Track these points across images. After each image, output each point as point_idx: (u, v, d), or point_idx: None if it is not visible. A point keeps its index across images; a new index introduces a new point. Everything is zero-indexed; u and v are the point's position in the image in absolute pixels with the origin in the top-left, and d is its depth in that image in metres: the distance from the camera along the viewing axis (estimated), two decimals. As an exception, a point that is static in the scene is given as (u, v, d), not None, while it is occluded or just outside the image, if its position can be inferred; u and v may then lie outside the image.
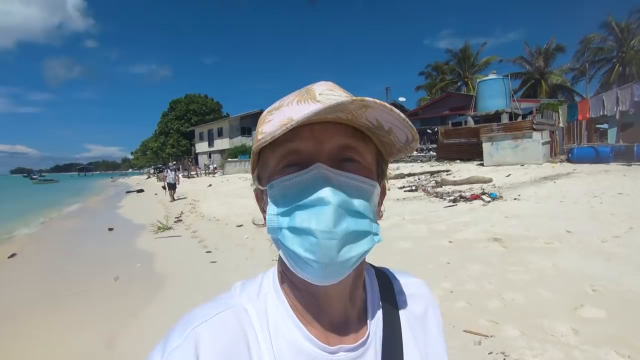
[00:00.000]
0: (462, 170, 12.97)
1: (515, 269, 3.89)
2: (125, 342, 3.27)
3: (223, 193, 16.59)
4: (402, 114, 0.42)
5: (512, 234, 5.15)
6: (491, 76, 16.51)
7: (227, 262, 5.54)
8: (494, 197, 7.59)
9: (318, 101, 0.44)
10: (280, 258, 0.48)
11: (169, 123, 52.19)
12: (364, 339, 0.49)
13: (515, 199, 7.51)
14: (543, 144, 11.70)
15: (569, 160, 11.94)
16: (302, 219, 0.41)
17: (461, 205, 7.52)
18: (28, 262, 6.92)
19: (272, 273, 0.53)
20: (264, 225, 0.49)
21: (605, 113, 10.96)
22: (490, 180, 10.00)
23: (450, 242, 5.10)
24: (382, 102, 0.40)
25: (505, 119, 14.81)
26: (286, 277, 0.50)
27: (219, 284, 4.55)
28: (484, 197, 7.63)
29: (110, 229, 9.76)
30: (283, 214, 0.43)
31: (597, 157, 10.81)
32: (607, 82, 26.79)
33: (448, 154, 15.44)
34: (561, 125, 12.87)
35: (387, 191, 0.54)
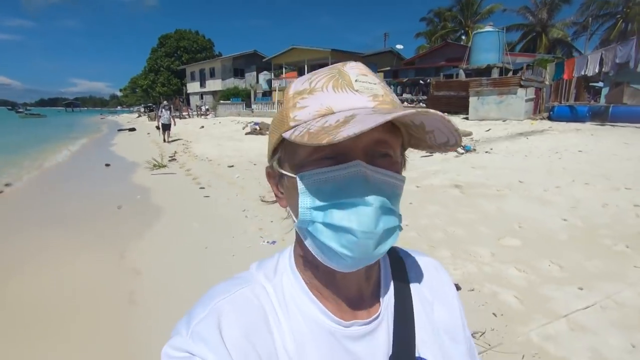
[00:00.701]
0: (447, 123, 13.40)
1: (465, 210, 4.59)
2: (135, 255, 3.95)
3: (215, 135, 16.91)
4: (455, 125, 0.42)
5: (473, 182, 5.82)
6: (487, 28, 16.29)
7: (220, 197, 6.18)
8: (467, 150, 8.20)
9: (356, 90, 0.43)
10: (297, 240, 0.51)
11: (159, 60, 50.24)
12: (377, 314, 0.51)
13: (486, 152, 8.13)
14: (526, 100, 12.08)
15: (549, 118, 12.43)
16: (341, 217, 0.42)
17: (437, 156, 8.12)
18: (32, 194, 7.49)
19: (289, 253, 0.54)
20: (273, 202, 0.52)
21: (587, 73, 11.27)
22: (470, 134, 10.54)
23: (417, 187, 5.76)
24: (441, 114, 0.40)
25: (495, 73, 14.97)
26: (303, 258, 0.51)
27: (212, 214, 5.22)
28: (458, 149, 8.21)
29: (107, 165, 10.26)
30: (318, 208, 0.43)
31: (575, 116, 11.31)
32: (607, 39, 26.40)
33: (437, 106, 15.71)
34: (547, 82, 13.15)
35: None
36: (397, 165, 0.47)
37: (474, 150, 8.31)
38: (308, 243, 0.46)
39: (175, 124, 16.22)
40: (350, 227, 0.41)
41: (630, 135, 8.76)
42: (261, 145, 12.05)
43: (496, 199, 4.91)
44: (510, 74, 14.80)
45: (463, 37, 32.18)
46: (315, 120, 0.42)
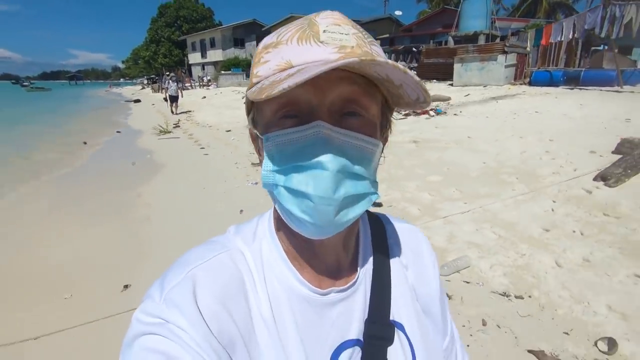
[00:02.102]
0: (433, 89, 14.18)
1: (412, 158, 5.65)
2: (147, 194, 5.13)
3: (216, 105, 17.82)
4: (415, 77, 0.39)
5: (429, 138, 6.85)
6: (476, -6, 16.60)
7: (217, 154, 7.31)
8: (438, 113, 9.13)
9: (322, 41, 0.39)
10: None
11: (159, 30, 50.10)
12: (353, 281, 0.51)
13: (455, 114, 9.07)
14: (506, 66, 12.75)
15: (530, 83, 13.14)
16: (299, 181, 0.40)
17: (410, 118, 9.09)
18: (95, 155, 8.70)
19: (268, 218, 0.53)
20: (259, 164, 0.49)
21: (562, 39, 11.84)
22: (448, 99, 11.39)
23: (382, 143, 6.81)
24: (394, 64, 0.37)
25: (482, 40, 15.47)
26: (281, 223, 0.49)
27: (210, 167, 6.38)
28: (430, 112, 9.16)
29: (118, 132, 11.40)
30: (279, 172, 0.42)
31: (551, 81, 12.02)
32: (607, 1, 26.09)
33: (427, 73, 16.37)
34: (528, 49, 13.70)
35: (388, 139, 0.51)
36: (370, 127, 0.43)
37: (444, 113, 9.24)
38: (276, 206, 0.45)
39: (182, 96, 16.26)
40: (307, 192, 0.40)
41: (589, 97, 9.58)
42: (257, 113, 13.05)
43: (441, 150, 5.96)
44: (498, 40, 15.28)
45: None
46: (274, 75, 0.40)
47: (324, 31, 0.40)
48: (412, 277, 0.57)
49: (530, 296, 2.37)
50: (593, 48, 28.03)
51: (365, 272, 0.53)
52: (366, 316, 0.50)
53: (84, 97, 38.43)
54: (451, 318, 0.62)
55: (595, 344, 1.94)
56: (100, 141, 10.14)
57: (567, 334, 2.04)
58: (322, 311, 0.48)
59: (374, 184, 0.46)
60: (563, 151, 5.24)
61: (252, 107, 0.46)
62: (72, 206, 4.84)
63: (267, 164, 0.43)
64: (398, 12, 28.93)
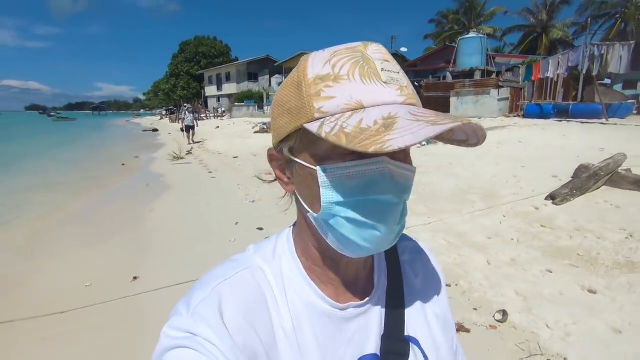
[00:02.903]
0: (432, 121, 14.95)
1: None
2: (159, 209, 5.86)
3: (228, 134, 18.94)
4: (485, 131, 0.42)
5: (414, 164, 7.48)
6: (471, 34, 17.69)
7: (223, 177, 8.08)
8: (429, 142, 9.81)
9: (385, 82, 0.41)
10: (301, 226, 0.52)
11: (179, 65, 53.21)
12: (370, 296, 0.53)
13: (444, 144, 9.72)
14: (499, 100, 13.48)
15: (524, 116, 13.79)
16: (367, 214, 0.42)
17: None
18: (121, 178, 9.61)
19: (286, 236, 0.55)
20: (271, 182, 0.53)
21: (549, 75, 12.57)
22: (443, 130, 12.08)
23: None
24: (479, 126, 0.40)
25: (478, 75, 16.36)
26: (303, 242, 0.52)
27: (215, 187, 7.12)
28: (423, 142, 9.84)
29: (136, 157, 12.39)
30: (341, 204, 0.43)
31: (542, 113, 12.65)
32: (606, 38, 27.06)
33: (427, 105, 16.34)
34: (520, 84, 14.45)
35: None
36: (410, 157, 0.47)
37: (435, 142, 9.91)
38: (323, 233, 0.46)
39: (197, 126, 17.11)
40: (376, 225, 0.42)
41: (573, 129, 10.14)
42: (262, 141, 13.94)
43: (422, 174, 6.57)
44: (494, 75, 16.15)
45: (467, 39, 33.27)
46: (347, 116, 0.40)
47: (382, 69, 0.42)
48: (424, 292, 0.59)
49: (456, 284, 2.91)
50: (598, 82, 28.70)
51: (381, 289, 0.55)
52: (382, 331, 0.52)
53: (105, 127, 40.58)
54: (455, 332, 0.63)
55: (493, 316, 2.47)
56: (123, 165, 11.11)
57: (476, 309, 2.58)
58: (341, 326, 0.50)
59: None
60: (530, 176, 5.80)
61: (295, 134, 0.45)
62: (98, 218, 5.59)
63: (327, 196, 0.43)
64: (404, 49, 30.53)
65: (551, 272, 2.97)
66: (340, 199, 0.43)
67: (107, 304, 3.04)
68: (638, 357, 2.04)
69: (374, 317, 0.53)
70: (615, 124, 10.60)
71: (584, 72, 11.27)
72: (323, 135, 0.40)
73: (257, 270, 0.50)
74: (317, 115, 0.42)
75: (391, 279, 0.57)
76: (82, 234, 4.91)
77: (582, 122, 11.25)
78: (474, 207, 4.63)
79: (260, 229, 4.52)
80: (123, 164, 11.10)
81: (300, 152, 0.46)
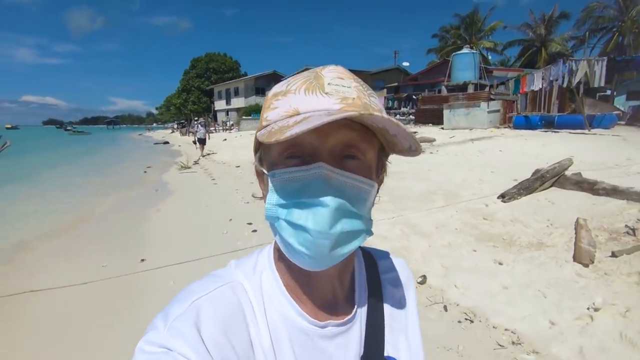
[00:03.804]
0: (426, 132, 15.69)
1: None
2: (165, 209, 6.67)
3: (234, 146, 19.89)
4: (407, 130, 0.44)
5: (396, 171, 8.18)
6: (464, 50, 18.51)
7: (224, 184, 8.91)
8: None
9: (326, 93, 0.44)
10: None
11: (191, 80, 55.11)
12: (350, 316, 0.53)
13: (431, 153, 10.42)
14: (489, 112, 14.16)
15: (513, 127, 14.41)
16: (299, 215, 0.43)
17: (393, 157, 10.47)
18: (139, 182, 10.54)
19: (267, 252, 0.56)
20: (261, 198, 0.53)
21: (534, 88, 13.22)
22: (433, 140, 12.79)
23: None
24: (389, 118, 0.42)
25: (471, 89, 17.09)
26: (281, 257, 0.52)
27: (216, 192, 7.93)
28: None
29: (149, 167, 13.35)
30: (281, 206, 0.45)
31: (529, 124, 13.26)
32: (604, 51, 27.61)
33: (424, 118, 17.96)
34: (510, 96, 15.12)
35: (383, 181, 0.56)
36: (367, 169, 0.47)
37: (423, 151, 10.58)
38: (276, 238, 0.48)
39: (209, 138, 17.52)
40: (306, 226, 0.43)
41: (554, 139, 10.74)
42: (266, 152, 14.83)
43: (400, 180, 7.28)
44: (487, 89, 16.87)
45: (468, 53, 34.13)
46: (281, 120, 0.44)
47: (329, 84, 0.45)
48: (405, 311, 0.61)
49: (397, 261, 3.62)
50: (599, 94, 29.19)
51: (361, 308, 0.56)
52: (362, 352, 0.53)
53: (119, 139, 42.22)
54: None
55: (417, 280, 3.17)
56: (134, 174, 12.05)
57: (405, 277, 3.28)
58: (320, 344, 0.50)
59: (369, 221, 0.48)
60: (494, 180, 6.47)
61: (260, 147, 0.50)
62: (113, 216, 6.44)
63: (271, 198, 0.46)
64: (405, 63, 31.52)
65: (475, 251, 3.65)
66: (280, 201, 0.45)
67: (119, 278, 3.82)
68: (513, 303, 2.72)
69: (354, 336, 0.53)
70: (595, 134, 11.16)
71: (564, 85, 11.93)
72: (257, 136, 0.46)
73: (238, 286, 0.50)
74: (264, 124, 0.47)
75: (371, 297, 0.57)
76: (100, 229, 5.75)
77: (566, 133, 11.85)
78: (433, 205, 5.32)
79: (250, 223, 5.28)
80: (145, 172, 12.06)
81: (263, 162, 0.50)
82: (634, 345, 2.16)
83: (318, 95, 0.44)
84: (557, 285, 2.87)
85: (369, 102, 0.46)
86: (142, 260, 4.28)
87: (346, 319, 0.53)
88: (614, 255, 3.12)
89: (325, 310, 0.53)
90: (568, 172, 5.61)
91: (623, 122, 14.29)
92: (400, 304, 0.61)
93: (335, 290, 0.54)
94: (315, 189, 0.43)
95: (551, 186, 5.45)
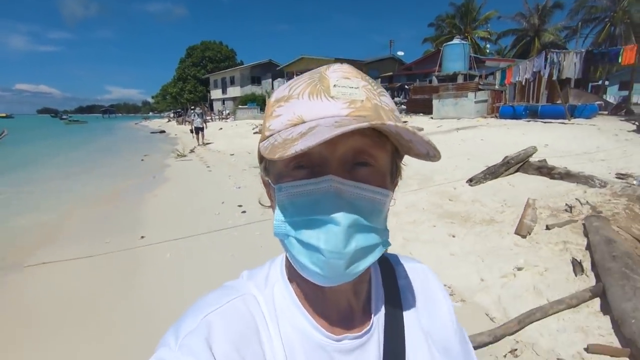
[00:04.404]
0: (416, 121, 16.12)
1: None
2: (161, 194, 7.14)
3: (229, 135, 20.28)
4: (425, 138, 0.40)
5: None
6: (455, 41, 18.83)
7: (218, 170, 9.38)
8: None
9: (332, 96, 0.41)
10: None
11: (186, 69, 55.01)
12: (368, 327, 0.50)
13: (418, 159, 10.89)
14: (476, 102, 14.59)
15: (499, 117, 14.86)
16: (310, 235, 0.41)
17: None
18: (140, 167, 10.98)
19: (280, 262, 0.54)
20: (269, 207, 0.51)
21: (519, 79, 13.65)
22: (421, 129, 13.24)
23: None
24: (403, 127, 0.38)
25: (460, 79, 17.48)
26: (293, 269, 0.49)
27: (210, 178, 8.40)
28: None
29: (146, 155, 13.77)
30: (290, 223, 0.43)
31: (514, 114, 13.72)
32: (596, 41, 27.94)
33: (415, 108, 18.36)
34: (497, 86, 15.55)
35: (397, 185, 0.52)
36: (380, 176, 0.44)
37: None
38: (288, 255, 0.46)
39: (207, 127, 17.21)
40: (318, 246, 0.40)
41: (535, 128, 11.22)
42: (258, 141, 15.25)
43: (383, 166, 7.78)
44: (476, 79, 17.27)
45: (462, 43, 34.32)
46: (286, 130, 0.42)
47: (334, 85, 0.42)
48: (426, 320, 0.56)
49: (366, 235, 4.12)
50: (592, 83, 29.56)
51: (379, 319, 0.53)
52: None
53: (116, 129, 42.40)
54: (474, 354, 0.60)
55: (379, 249, 3.68)
56: (133, 162, 12.49)
57: (371, 247, 3.79)
58: (336, 358, 0.48)
59: (385, 232, 0.46)
60: (468, 166, 6.96)
61: (264, 157, 0.45)
62: (114, 200, 6.92)
63: (279, 215, 0.44)
64: (400, 53, 31.63)
65: (435, 226, 4.17)
66: (289, 217, 0.43)
67: (122, 252, 4.32)
68: (455, 266, 3.24)
69: (372, 349, 0.50)
70: (573, 124, 11.65)
71: (545, 76, 12.37)
72: (260, 149, 0.44)
73: (250, 298, 0.49)
74: (267, 133, 0.45)
75: (389, 307, 0.54)
76: (102, 212, 6.24)
77: (548, 122, 12.32)
78: (408, 188, 5.83)
79: (240, 205, 5.78)
80: (142, 159, 12.49)
81: (269, 173, 0.47)
82: (541, 294, 2.68)
83: (323, 99, 0.42)
84: (495, 252, 3.39)
85: (379, 103, 0.43)
86: (142, 237, 4.77)
87: (363, 331, 0.50)
88: (547, 228, 3.63)
89: (340, 322, 0.50)
90: (534, 159, 6.11)
91: (606, 112, 14.77)
92: (422, 312, 0.56)
93: (351, 302, 0.52)
94: (325, 204, 0.41)
95: (516, 171, 5.96)
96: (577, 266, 2.95)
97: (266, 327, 0.47)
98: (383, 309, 0.54)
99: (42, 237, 5.00)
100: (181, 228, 4.90)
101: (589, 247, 3.13)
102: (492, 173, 5.72)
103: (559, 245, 3.34)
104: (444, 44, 19.35)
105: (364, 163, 0.43)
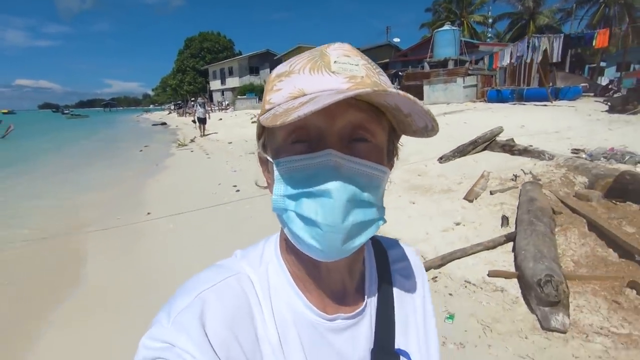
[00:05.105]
0: (408, 107, 16.62)
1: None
2: (163, 179, 7.82)
3: (228, 125, 20.87)
4: (425, 107, 0.41)
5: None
6: (445, 27, 19.14)
7: (217, 157, 10.04)
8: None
9: (333, 71, 0.42)
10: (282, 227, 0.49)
11: (185, 61, 55.23)
12: (360, 308, 0.52)
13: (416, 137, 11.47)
14: (465, 87, 15.04)
15: (487, 100, 15.33)
16: (308, 208, 0.41)
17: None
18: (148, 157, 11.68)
19: (274, 241, 0.54)
20: (265, 187, 0.51)
21: (504, 63, 14.08)
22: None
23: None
24: (405, 94, 0.39)
25: (451, 65, 17.87)
26: (288, 247, 0.51)
27: (209, 165, 9.07)
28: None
29: (146, 146, 14.44)
30: (289, 197, 0.43)
31: (502, 98, 14.20)
32: (590, 23, 28.03)
33: (408, 94, 18.73)
34: (486, 71, 15.95)
35: (394, 166, 0.53)
36: (378, 153, 0.45)
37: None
38: (285, 230, 0.46)
39: (210, 118, 17.17)
40: (316, 220, 0.41)
41: (517, 111, 11.74)
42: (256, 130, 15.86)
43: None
44: (467, 64, 17.67)
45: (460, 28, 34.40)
46: (287, 102, 0.42)
47: (335, 62, 0.42)
48: (415, 302, 0.59)
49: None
50: (587, 65, 29.72)
51: (371, 300, 0.54)
52: (372, 345, 0.51)
53: (118, 122, 43.07)
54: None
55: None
56: (139, 151, 13.18)
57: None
58: (328, 337, 0.49)
59: (381, 209, 0.46)
60: (444, 147, 7.55)
61: (264, 132, 0.47)
62: (121, 185, 7.62)
63: (278, 189, 0.44)
64: (396, 39, 31.90)
65: (400, 196, 4.81)
66: (288, 191, 0.43)
67: (132, 225, 5.01)
68: (409, 225, 3.89)
69: (364, 329, 0.52)
70: (555, 106, 12.14)
71: (528, 60, 12.82)
72: (261, 120, 0.43)
73: (244, 277, 0.49)
74: (267, 107, 0.44)
75: (381, 288, 0.55)
76: (111, 195, 6.93)
77: (532, 105, 12.82)
78: (385, 167, 6.46)
79: (234, 186, 6.44)
80: (141, 150, 13.17)
81: (268, 149, 0.47)
82: (469, 242, 3.34)
83: (324, 74, 0.42)
84: (443, 213, 4.05)
85: (378, 81, 0.43)
86: (148, 213, 5.46)
87: (356, 311, 0.51)
88: (491, 193, 4.27)
89: (334, 302, 0.51)
90: (503, 138, 6.72)
91: (592, 94, 15.18)
92: (411, 295, 0.59)
93: (345, 282, 0.52)
94: (324, 178, 0.41)
95: (484, 150, 6.57)
96: (504, 220, 3.60)
97: (259, 306, 0.48)
98: (376, 290, 0.55)
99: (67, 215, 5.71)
100: (182, 205, 5.58)
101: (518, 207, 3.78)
102: (461, 151, 6.34)
103: (497, 206, 3.99)
104: (435, 30, 19.67)
105: (361, 138, 0.43)
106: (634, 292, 2.35)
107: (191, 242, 4.25)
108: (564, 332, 2.11)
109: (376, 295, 0.55)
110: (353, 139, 0.43)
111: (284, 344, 0.47)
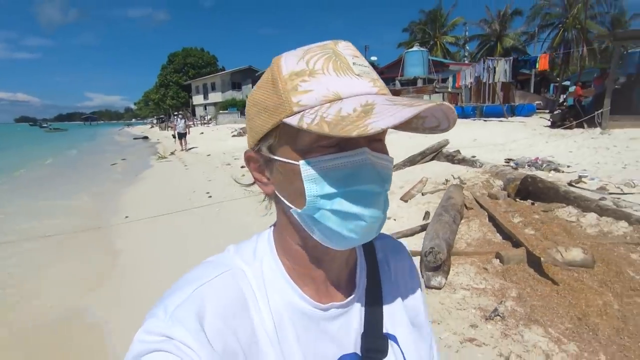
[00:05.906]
0: (380, 122, 17.60)
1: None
2: (141, 187, 8.35)
3: (209, 138, 21.42)
4: (455, 113, 0.44)
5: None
6: (414, 48, 20.51)
7: (194, 168, 10.62)
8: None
9: (357, 74, 0.43)
10: (282, 225, 0.52)
11: (168, 76, 55.59)
12: (352, 296, 0.54)
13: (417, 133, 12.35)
14: (430, 104, 16.14)
15: (453, 116, 16.40)
16: (352, 204, 0.43)
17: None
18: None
19: (267, 237, 0.55)
20: (248, 185, 0.55)
21: (465, 84, 15.31)
22: (381, 129, 14.72)
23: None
24: (451, 107, 0.43)
25: (420, 83, 19.10)
26: (282, 241, 0.52)
27: (187, 176, 9.64)
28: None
29: (123, 159, 14.86)
30: (325, 196, 0.43)
31: (464, 114, 15.33)
32: (551, 45, 30.15)
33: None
34: (450, 89, 17.17)
35: None
36: (387, 150, 0.48)
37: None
38: (309, 229, 0.46)
39: (190, 133, 17.24)
40: (362, 214, 0.43)
41: (475, 126, 12.80)
42: (235, 143, 16.46)
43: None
44: (435, 83, 18.92)
45: (434, 48, 36.29)
46: (325, 107, 0.41)
47: (354, 64, 0.44)
48: (401, 289, 0.61)
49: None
50: (552, 83, 31.44)
51: (361, 288, 0.56)
52: (362, 330, 0.54)
53: (98, 135, 42.89)
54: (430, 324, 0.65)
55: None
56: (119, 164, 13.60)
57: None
58: (323, 325, 0.51)
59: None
60: (401, 156, 8.40)
61: (273, 133, 0.46)
62: (102, 193, 8.11)
63: (312, 189, 0.44)
64: (374, 58, 33.15)
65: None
66: (324, 191, 0.43)
67: (110, 227, 5.55)
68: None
69: (355, 315, 0.54)
70: (509, 121, 13.30)
71: (484, 80, 14.04)
72: (304, 126, 0.41)
73: (239, 272, 0.50)
74: (295, 109, 0.43)
75: (370, 277, 0.58)
76: (92, 201, 7.43)
77: (489, 121, 13.96)
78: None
79: (207, 192, 7.06)
80: (114, 164, 13.59)
81: (280, 149, 0.46)
82: (394, 231, 4.06)
83: (351, 77, 0.43)
84: (381, 211, 4.78)
85: (384, 83, 0.46)
86: (126, 217, 6.01)
87: (348, 299, 0.54)
88: (422, 194, 5.05)
89: (327, 292, 0.53)
90: (451, 150, 7.58)
91: (547, 111, 16.53)
92: (397, 283, 0.61)
93: (341, 271, 0.55)
94: (364, 175, 0.43)
95: (432, 159, 7.41)
96: (426, 215, 4.36)
97: (255, 301, 0.48)
98: (364, 278, 0.58)
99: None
100: (158, 210, 6.16)
101: (440, 204, 4.54)
102: (410, 161, 7.16)
103: (425, 205, 4.75)
104: (405, 51, 20.99)
105: (378, 139, 0.47)
106: (498, 261, 3.11)
107: (165, 240, 4.83)
108: (439, 289, 2.83)
109: (365, 283, 0.57)
110: (374, 139, 0.46)
111: (280, 335, 0.48)
